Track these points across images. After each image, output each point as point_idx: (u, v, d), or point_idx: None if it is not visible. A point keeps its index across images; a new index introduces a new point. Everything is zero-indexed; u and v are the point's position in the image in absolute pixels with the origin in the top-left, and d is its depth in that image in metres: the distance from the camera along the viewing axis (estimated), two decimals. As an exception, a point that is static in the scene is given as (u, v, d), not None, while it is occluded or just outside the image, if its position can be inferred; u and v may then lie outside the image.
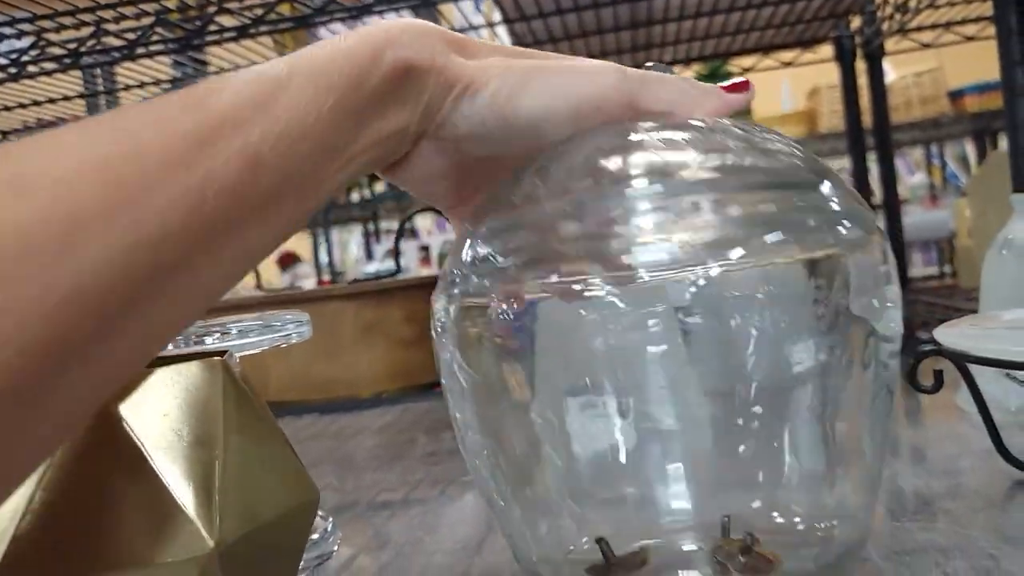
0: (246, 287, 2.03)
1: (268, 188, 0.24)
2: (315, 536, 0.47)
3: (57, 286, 0.19)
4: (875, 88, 1.28)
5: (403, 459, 0.64)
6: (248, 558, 0.30)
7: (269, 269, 3.33)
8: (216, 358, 0.32)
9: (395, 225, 2.61)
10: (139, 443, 0.29)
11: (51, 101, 1.09)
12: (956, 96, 2.31)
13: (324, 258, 2.64)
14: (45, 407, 0.20)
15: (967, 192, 1.27)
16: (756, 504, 0.33)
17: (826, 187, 0.32)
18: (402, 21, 0.28)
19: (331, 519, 0.48)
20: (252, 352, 0.46)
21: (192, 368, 0.31)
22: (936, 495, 0.44)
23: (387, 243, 2.89)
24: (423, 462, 0.63)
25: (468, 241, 0.32)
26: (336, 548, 0.46)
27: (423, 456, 0.64)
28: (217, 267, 0.24)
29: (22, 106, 1.06)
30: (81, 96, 1.12)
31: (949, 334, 0.49)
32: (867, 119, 1.29)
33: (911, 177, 3.09)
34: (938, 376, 0.46)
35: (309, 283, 2.78)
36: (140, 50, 0.90)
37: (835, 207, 0.31)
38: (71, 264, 0.20)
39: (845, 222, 0.31)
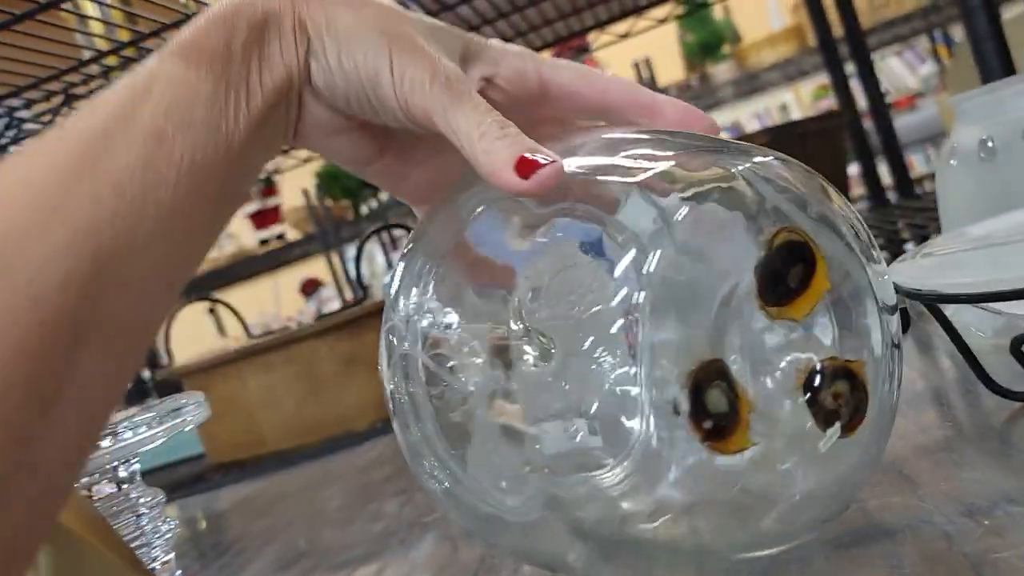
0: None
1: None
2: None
3: None
4: (839, -9, 1.20)
5: (373, 501, 0.62)
6: None
7: (294, 300, 3.35)
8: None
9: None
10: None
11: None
12: (947, -24, 2.18)
13: (352, 276, 2.64)
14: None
15: (946, 86, 1.19)
16: None
17: None
18: None
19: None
20: (152, 446, 0.44)
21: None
22: (894, 458, 0.39)
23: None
24: (390, 505, 0.60)
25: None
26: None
27: (393, 495, 0.62)
28: (131, 296, 0.22)
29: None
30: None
31: (904, 271, 0.44)
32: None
33: (922, 67, 2.95)
34: (904, 315, 0.41)
35: (334, 306, 2.79)
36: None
37: None
38: None
39: None
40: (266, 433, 0.92)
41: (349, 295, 2.64)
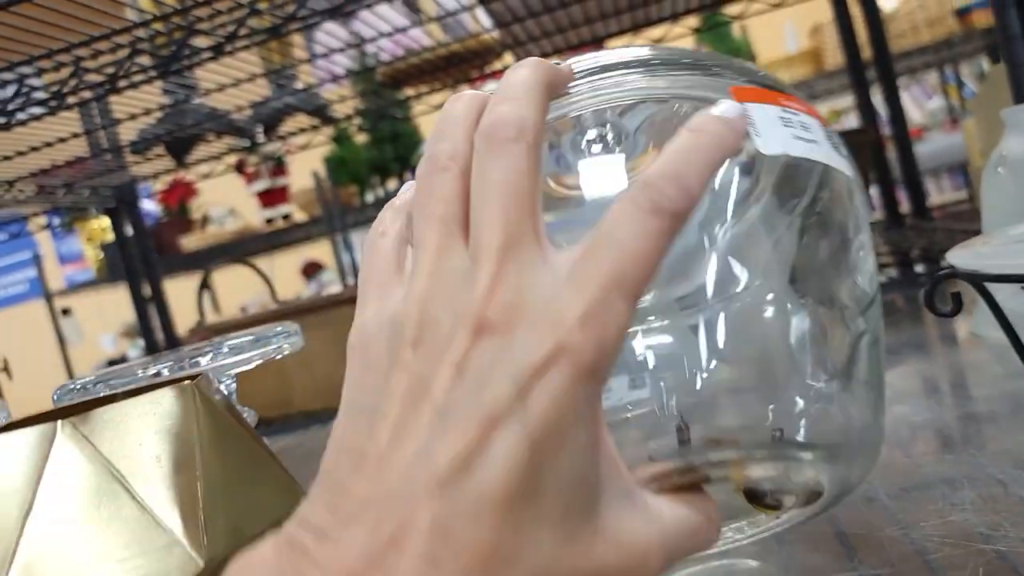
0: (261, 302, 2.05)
1: None
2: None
3: None
4: (870, 15, 1.25)
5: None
6: (240, 574, 0.30)
7: (293, 280, 3.37)
8: (187, 382, 0.32)
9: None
10: (118, 474, 0.30)
11: (48, 145, 1.11)
12: (963, 13, 2.24)
13: (347, 262, 2.66)
14: None
15: (972, 111, 1.23)
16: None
17: None
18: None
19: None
20: (246, 368, 0.46)
21: (164, 395, 0.32)
22: (942, 425, 0.43)
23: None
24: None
25: None
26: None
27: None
28: None
29: (20, 154, 1.07)
30: (77, 136, 1.13)
31: (962, 255, 0.48)
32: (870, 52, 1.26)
33: (929, 102, 3.01)
34: (956, 298, 0.45)
35: (335, 290, 2.80)
36: (122, 83, 0.91)
37: None
38: None
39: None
40: (296, 393, 0.94)
41: (351, 280, 2.66)
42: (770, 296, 0.31)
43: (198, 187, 2.73)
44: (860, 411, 0.31)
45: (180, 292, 1.94)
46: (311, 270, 3.17)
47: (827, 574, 0.31)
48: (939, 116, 2.71)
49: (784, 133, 0.29)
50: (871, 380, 0.31)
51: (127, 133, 1.33)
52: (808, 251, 0.32)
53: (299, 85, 1.37)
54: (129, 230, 1.45)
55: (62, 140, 1.13)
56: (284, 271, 3.40)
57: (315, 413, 0.93)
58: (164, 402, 0.31)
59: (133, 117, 1.14)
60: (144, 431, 0.31)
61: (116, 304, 2.38)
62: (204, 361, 0.45)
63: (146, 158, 1.39)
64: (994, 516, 0.32)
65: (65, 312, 3.12)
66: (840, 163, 0.31)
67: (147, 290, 1.46)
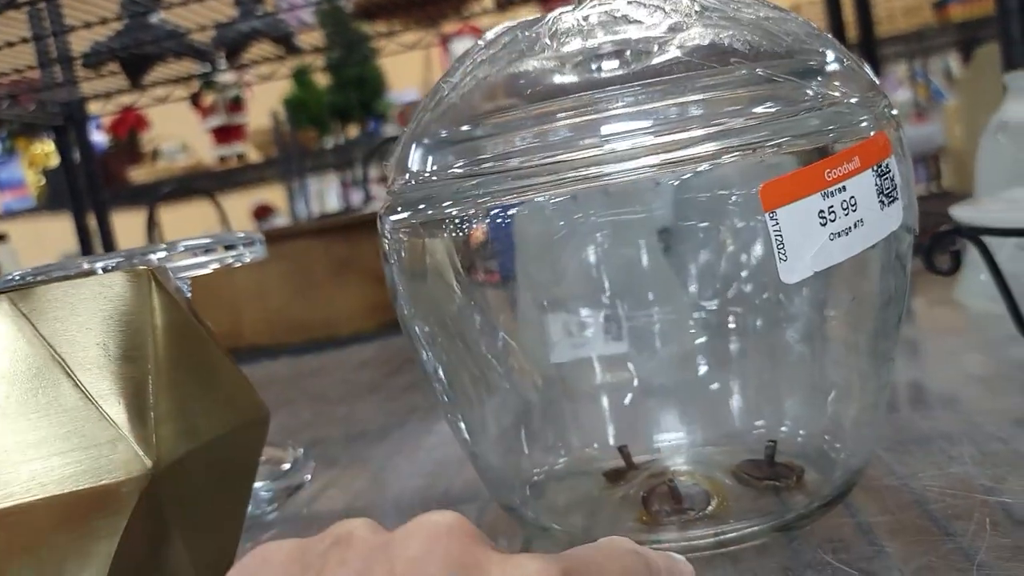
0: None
1: None
2: (286, 466, 0.44)
3: None
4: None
5: (379, 389, 0.62)
6: (191, 479, 0.27)
7: (243, 223, 3.29)
8: (143, 268, 0.29)
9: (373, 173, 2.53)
10: (59, 359, 0.26)
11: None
12: (941, 5, 2.25)
13: (301, 209, 2.59)
14: None
15: (956, 92, 1.24)
16: (759, 422, 0.32)
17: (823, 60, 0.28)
18: None
19: (302, 449, 0.45)
20: (202, 272, 0.43)
21: (116, 279, 0.28)
22: (936, 385, 0.42)
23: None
24: (401, 392, 0.60)
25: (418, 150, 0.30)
26: (309, 477, 0.43)
27: (401, 388, 0.62)
28: None
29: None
30: (25, 41, 1.06)
31: (965, 211, 0.47)
32: (851, 34, 1.25)
33: (896, 94, 3.04)
34: (955, 256, 0.44)
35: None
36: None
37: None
38: None
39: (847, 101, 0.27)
40: (246, 327, 0.90)
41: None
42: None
43: (151, 119, 2.62)
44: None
45: (126, 228, 1.86)
46: (262, 213, 3.09)
47: (823, 520, 0.29)
48: (905, 109, 2.74)
49: (818, 238, 0.25)
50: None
51: (80, 44, 1.25)
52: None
53: (267, 9, 1.31)
54: (76, 155, 1.38)
55: (10, 44, 1.06)
56: (235, 213, 3.30)
57: (266, 347, 0.90)
58: (115, 286, 0.28)
59: (87, 26, 1.07)
60: (91, 314, 0.27)
61: (57, 233, 2.27)
62: (156, 259, 0.41)
63: (99, 74, 1.32)
64: (996, 469, 0.30)
65: (1, 238, 3.00)
66: (884, 224, 0.27)
67: (92, 221, 1.39)
